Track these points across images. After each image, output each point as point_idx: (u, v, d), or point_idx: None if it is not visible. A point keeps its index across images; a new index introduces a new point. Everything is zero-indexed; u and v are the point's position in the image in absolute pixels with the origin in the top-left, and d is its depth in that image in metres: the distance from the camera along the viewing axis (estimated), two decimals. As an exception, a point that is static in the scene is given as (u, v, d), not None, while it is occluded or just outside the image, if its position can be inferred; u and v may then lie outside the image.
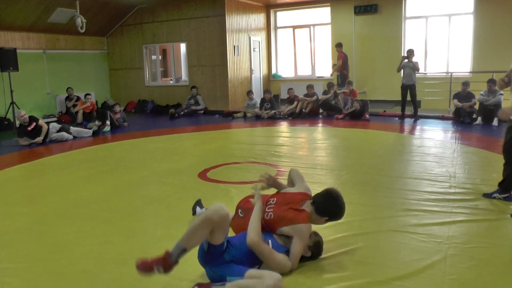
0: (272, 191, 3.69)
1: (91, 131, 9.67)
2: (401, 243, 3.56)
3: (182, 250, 2.76)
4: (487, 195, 4.63)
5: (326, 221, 3.29)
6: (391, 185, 5.20)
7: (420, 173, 5.67)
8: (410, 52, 10.76)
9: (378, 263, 3.23)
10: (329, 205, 3.24)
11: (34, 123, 8.96)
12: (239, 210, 3.61)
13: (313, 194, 3.41)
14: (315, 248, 3.25)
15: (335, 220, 3.35)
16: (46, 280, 3.13)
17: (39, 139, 8.85)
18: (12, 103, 10.92)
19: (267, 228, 3.27)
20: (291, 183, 3.71)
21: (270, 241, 3.13)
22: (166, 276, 3.08)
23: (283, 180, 5.26)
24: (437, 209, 4.32)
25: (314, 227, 3.34)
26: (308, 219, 3.20)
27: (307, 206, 3.28)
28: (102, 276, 3.16)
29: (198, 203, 4.33)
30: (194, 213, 4.23)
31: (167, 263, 2.74)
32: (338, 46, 12.54)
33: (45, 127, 9.09)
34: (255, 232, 3.01)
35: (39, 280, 3.13)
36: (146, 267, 2.71)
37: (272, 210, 3.31)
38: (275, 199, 3.41)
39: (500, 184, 4.63)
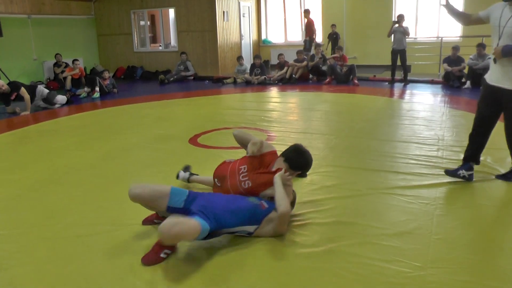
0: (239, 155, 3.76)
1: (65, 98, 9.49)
2: (390, 205, 3.64)
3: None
4: (451, 173, 4.16)
5: (298, 175, 3.57)
6: (380, 148, 5.27)
7: (409, 137, 5.74)
8: (401, 17, 10.70)
9: (367, 224, 3.31)
10: (301, 160, 3.41)
11: (16, 93, 8.59)
12: (215, 179, 3.64)
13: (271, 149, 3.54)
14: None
15: (305, 172, 3.68)
16: (42, 245, 3.17)
17: (26, 113, 8.53)
18: (-2, 69, 10.77)
19: (248, 195, 3.34)
20: (242, 145, 3.74)
21: (263, 202, 3.19)
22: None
23: (273, 144, 5.31)
24: (425, 171, 4.40)
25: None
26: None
27: (280, 164, 3.38)
28: (95, 241, 3.20)
29: (185, 168, 4.33)
30: (177, 177, 4.26)
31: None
32: (306, 12, 12.86)
33: (27, 97, 8.63)
34: (288, 201, 3.11)
35: (35, 245, 3.17)
36: (153, 259, 2.86)
37: (247, 178, 3.38)
38: (245, 166, 3.45)
39: (466, 158, 4.16)
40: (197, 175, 4.21)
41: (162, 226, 2.70)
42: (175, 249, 2.95)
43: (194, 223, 2.78)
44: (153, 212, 3.37)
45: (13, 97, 8.60)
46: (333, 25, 13.46)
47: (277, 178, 3.21)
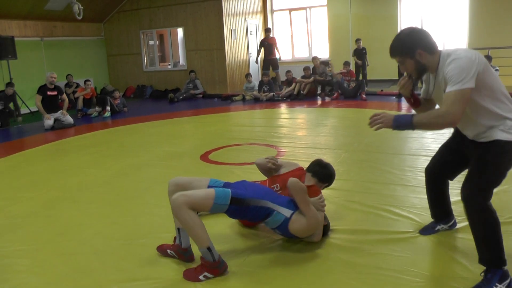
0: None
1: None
2: (400, 216, 3.67)
3: (208, 250, 2.81)
4: (426, 232, 3.33)
5: (325, 187, 3.63)
6: (389, 162, 5.31)
7: (417, 150, 5.78)
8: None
9: (377, 235, 3.34)
10: (326, 171, 3.58)
11: (56, 92, 9.56)
12: None
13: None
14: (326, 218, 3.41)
15: (331, 184, 3.68)
16: (58, 260, 3.24)
17: (64, 111, 9.48)
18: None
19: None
20: (265, 171, 3.80)
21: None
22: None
23: (283, 160, 5.37)
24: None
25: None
26: (320, 191, 3.35)
27: (309, 180, 3.49)
28: (111, 256, 3.27)
29: None
30: None
31: (174, 246, 3.09)
32: (267, 31, 13.47)
33: (66, 101, 9.78)
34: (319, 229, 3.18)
35: (51, 260, 3.24)
36: (191, 278, 2.85)
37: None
38: (278, 184, 3.53)
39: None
40: None
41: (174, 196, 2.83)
42: (218, 274, 2.84)
43: (207, 190, 2.91)
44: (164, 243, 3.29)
45: (51, 92, 9.48)
46: (359, 40, 12.43)
47: (300, 202, 3.13)
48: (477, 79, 2.43)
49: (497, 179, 2.59)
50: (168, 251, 3.13)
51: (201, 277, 2.80)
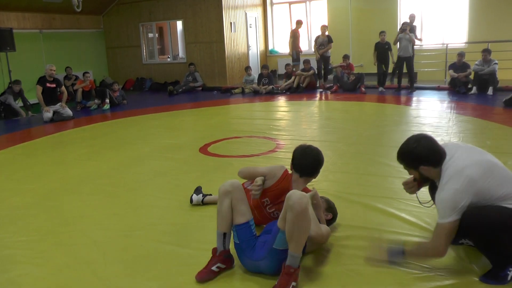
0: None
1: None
2: (398, 209, 3.69)
3: (223, 235, 2.79)
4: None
5: (305, 180, 3.18)
6: (388, 155, 5.32)
7: (416, 143, 5.80)
8: (406, 25, 10.80)
9: (375, 228, 3.38)
10: (303, 161, 3.13)
11: (55, 85, 9.55)
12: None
13: None
14: (331, 209, 3.37)
15: (312, 172, 3.17)
16: (58, 250, 3.27)
17: (64, 104, 9.47)
18: (11, 83, 10.95)
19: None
20: (250, 180, 3.38)
21: None
22: (172, 246, 3.25)
23: (281, 152, 5.39)
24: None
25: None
26: (309, 190, 3.15)
27: (297, 180, 3.16)
28: (111, 247, 3.30)
29: (196, 190, 4.15)
30: (191, 201, 4.06)
31: (219, 256, 2.80)
32: (300, 23, 12.93)
33: (65, 94, 9.76)
34: (317, 225, 2.87)
35: (52, 251, 3.27)
36: (205, 274, 2.75)
37: (274, 209, 3.23)
38: (267, 198, 3.21)
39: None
40: (210, 195, 4.07)
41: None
42: (230, 264, 2.86)
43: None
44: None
45: (51, 85, 9.48)
46: (383, 33, 11.21)
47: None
48: (475, 198, 2.50)
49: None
50: (213, 268, 2.78)
51: (213, 267, 2.77)
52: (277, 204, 3.19)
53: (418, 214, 3.55)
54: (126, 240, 3.40)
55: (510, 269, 2.57)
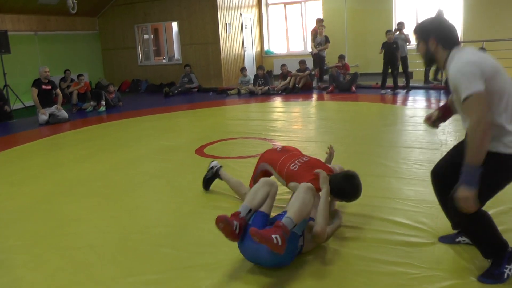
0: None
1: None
2: (394, 209, 3.69)
3: (249, 210, 2.86)
4: (445, 240, 3.09)
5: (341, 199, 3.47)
6: (384, 154, 5.34)
7: (412, 142, 5.81)
8: (401, 24, 10.83)
9: (372, 228, 3.37)
10: (345, 187, 3.30)
11: (50, 87, 9.51)
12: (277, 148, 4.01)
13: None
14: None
15: (347, 201, 3.45)
16: (54, 254, 3.25)
17: (59, 106, 9.40)
18: (6, 85, 10.91)
19: (285, 177, 3.55)
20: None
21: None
22: (169, 249, 3.23)
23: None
24: (428, 176, 4.44)
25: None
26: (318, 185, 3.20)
27: (324, 182, 3.27)
28: (107, 250, 3.28)
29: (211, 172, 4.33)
30: (206, 187, 4.36)
31: (241, 219, 2.80)
32: (321, 21, 12.54)
33: (60, 96, 9.65)
34: (326, 222, 2.96)
35: (47, 255, 3.25)
36: (227, 220, 2.73)
37: (299, 164, 3.52)
38: (309, 159, 3.62)
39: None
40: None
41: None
42: (239, 235, 2.80)
43: None
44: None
45: (46, 86, 9.43)
46: (390, 31, 10.73)
47: (322, 184, 3.19)
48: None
49: (490, 192, 2.51)
50: (234, 222, 2.77)
51: (234, 222, 2.76)
52: (305, 167, 3.49)
53: (415, 215, 3.55)
54: (122, 243, 3.38)
55: (507, 266, 2.55)
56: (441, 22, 2.63)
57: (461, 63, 2.41)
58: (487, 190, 2.46)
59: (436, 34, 2.57)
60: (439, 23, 2.62)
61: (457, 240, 3.03)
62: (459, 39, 2.59)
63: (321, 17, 12.70)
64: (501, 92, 2.41)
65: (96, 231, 3.62)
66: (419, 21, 2.74)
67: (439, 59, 2.61)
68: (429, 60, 2.68)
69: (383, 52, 10.70)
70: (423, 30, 2.65)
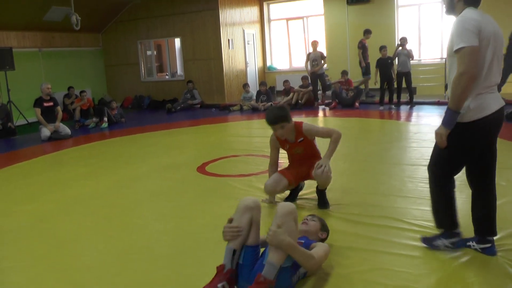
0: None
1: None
2: (400, 229, 3.60)
3: (233, 252, 2.64)
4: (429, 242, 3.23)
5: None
6: (389, 172, 5.26)
7: (417, 159, 5.72)
8: (404, 40, 10.80)
9: (378, 250, 3.27)
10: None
11: (52, 103, 9.60)
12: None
13: None
14: (325, 227, 3.28)
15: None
16: (50, 277, 3.17)
17: (57, 125, 9.36)
18: (9, 101, 10.93)
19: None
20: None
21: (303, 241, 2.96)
22: (168, 271, 3.15)
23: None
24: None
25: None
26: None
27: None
28: (105, 271, 3.20)
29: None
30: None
31: (226, 274, 2.59)
32: (368, 32, 12.38)
33: (60, 114, 9.64)
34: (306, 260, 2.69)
35: (43, 278, 3.17)
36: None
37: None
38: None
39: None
40: None
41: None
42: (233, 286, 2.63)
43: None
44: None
45: (47, 104, 9.51)
46: (384, 48, 10.82)
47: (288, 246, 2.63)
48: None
49: (452, 158, 2.94)
50: (219, 285, 2.54)
51: (219, 285, 2.54)
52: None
53: (422, 235, 3.45)
54: (121, 264, 3.30)
55: (442, 239, 3.09)
56: None
57: (465, 18, 2.71)
58: (447, 156, 2.96)
59: None
60: None
61: (468, 244, 3.12)
62: (480, 3, 2.84)
63: (316, 39, 12.62)
64: (488, 57, 2.72)
65: (94, 252, 3.54)
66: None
67: (457, 10, 2.86)
68: (449, 8, 2.93)
69: (378, 69, 10.83)
70: None
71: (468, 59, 2.63)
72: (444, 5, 2.95)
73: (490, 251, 3.01)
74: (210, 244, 3.42)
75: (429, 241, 3.17)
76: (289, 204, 2.70)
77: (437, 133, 2.89)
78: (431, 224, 3.62)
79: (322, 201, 4.26)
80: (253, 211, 2.76)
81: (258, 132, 8.93)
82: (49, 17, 12.26)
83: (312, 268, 2.73)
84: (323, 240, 3.19)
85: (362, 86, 12.27)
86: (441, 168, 3.02)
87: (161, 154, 7.16)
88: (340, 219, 3.89)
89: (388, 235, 3.52)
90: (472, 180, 3.08)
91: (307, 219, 3.24)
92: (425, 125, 8.30)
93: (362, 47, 12.10)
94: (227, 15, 13.57)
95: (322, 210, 4.15)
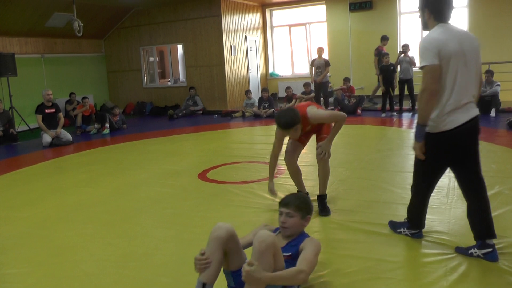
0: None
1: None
2: (401, 238, 3.56)
3: (202, 286, 2.49)
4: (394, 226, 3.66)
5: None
6: (391, 179, 5.22)
7: (419, 167, 5.68)
8: (406, 47, 10.79)
9: (379, 258, 3.24)
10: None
11: (54, 110, 9.53)
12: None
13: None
14: (303, 211, 2.91)
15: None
16: (49, 284, 3.14)
17: (58, 130, 9.31)
18: (11, 108, 10.94)
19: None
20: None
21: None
22: (168, 279, 3.12)
23: (281, 178, 5.29)
24: (436, 202, 4.33)
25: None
26: None
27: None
28: (104, 279, 3.17)
29: None
30: None
31: None
32: (385, 39, 12.20)
33: (62, 120, 9.59)
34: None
35: (42, 285, 3.14)
36: None
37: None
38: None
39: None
40: None
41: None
42: None
43: None
44: None
45: (49, 110, 9.44)
46: (387, 55, 10.79)
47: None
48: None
49: (420, 169, 3.24)
50: None
51: None
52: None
53: (424, 244, 3.42)
54: (120, 271, 3.27)
55: (403, 228, 3.52)
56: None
57: (428, 38, 2.95)
58: (417, 167, 3.28)
59: (431, 7, 3.04)
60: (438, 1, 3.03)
61: (470, 252, 3.14)
62: (449, 18, 3.03)
63: (322, 46, 12.52)
64: (451, 74, 2.92)
65: (93, 259, 3.51)
66: None
67: (429, 27, 3.07)
68: (424, 25, 3.15)
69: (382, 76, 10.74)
70: (422, 1, 3.10)
71: (428, 76, 2.89)
72: (421, 25, 3.19)
73: (492, 257, 3.02)
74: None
75: (393, 226, 3.62)
76: (266, 238, 2.44)
77: (414, 148, 3.12)
78: (433, 232, 3.59)
79: (323, 208, 4.23)
80: (228, 243, 2.56)
81: (260, 139, 8.91)
82: (51, 23, 12.30)
83: (304, 280, 2.53)
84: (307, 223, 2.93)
85: (379, 92, 11.95)
86: (421, 177, 3.29)
87: (162, 160, 7.13)
88: (342, 227, 3.86)
89: (390, 243, 3.49)
90: (462, 188, 3.19)
91: (283, 222, 2.85)
92: (428, 132, 8.27)
93: (379, 54, 11.84)
94: (230, 21, 13.59)
95: (323, 217, 4.12)
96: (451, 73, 2.90)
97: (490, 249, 3.04)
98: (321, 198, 4.30)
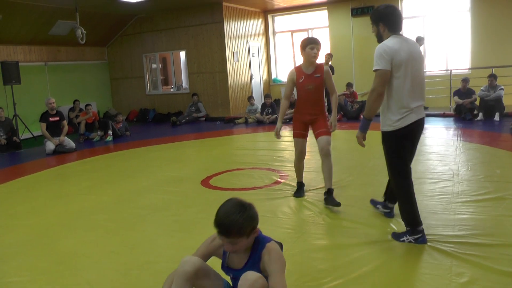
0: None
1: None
2: (407, 245, 3.54)
3: None
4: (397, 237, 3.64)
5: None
6: (394, 185, 5.18)
7: (423, 172, 5.66)
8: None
9: (384, 266, 3.22)
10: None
11: (58, 118, 9.58)
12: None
13: None
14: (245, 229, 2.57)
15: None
16: (51, 292, 3.13)
17: (62, 138, 9.32)
18: (15, 115, 10.97)
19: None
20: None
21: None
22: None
23: (285, 185, 5.26)
24: (440, 208, 4.30)
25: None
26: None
27: None
28: (106, 287, 3.15)
29: None
30: None
31: None
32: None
33: (65, 128, 9.62)
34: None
35: (44, 293, 3.13)
36: None
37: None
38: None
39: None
40: None
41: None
42: None
43: None
44: None
45: (53, 118, 9.50)
46: None
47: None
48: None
49: (393, 161, 3.59)
50: None
51: None
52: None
53: (429, 251, 3.39)
54: (121, 280, 3.25)
55: (407, 236, 3.52)
56: (391, 11, 3.41)
57: (383, 45, 3.30)
58: (395, 165, 3.58)
59: (385, 21, 3.40)
60: (390, 11, 3.41)
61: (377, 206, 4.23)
62: (401, 29, 3.41)
63: (330, 52, 12.53)
64: (403, 80, 3.31)
65: (95, 267, 3.49)
66: (376, 7, 3.54)
67: (385, 38, 3.40)
68: (379, 38, 3.48)
69: None
70: (376, 16, 3.45)
71: (378, 79, 3.30)
72: (376, 38, 3.52)
73: (422, 241, 3.47)
74: (212, 260, 3.35)
75: (397, 237, 3.62)
76: (250, 278, 2.30)
77: (357, 137, 3.76)
78: (436, 236, 3.56)
79: (333, 201, 4.47)
80: (197, 278, 2.43)
81: (263, 145, 8.89)
82: (54, 31, 12.36)
83: None
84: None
85: None
86: (399, 174, 3.57)
87: (165, 167, 7.12)
88: (345, 233, 3.84)
89: (394, 249, 3.47)
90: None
91: (230, 251, 2.55)
92: (431, 137, 8.23)
93: None
94: (232, 27, 13.62)
95: (326, 223, 4.10)
96: (401, 78, 3.30)
97: (420, 235, 3.49)
98: (329, 192, 4.57)
